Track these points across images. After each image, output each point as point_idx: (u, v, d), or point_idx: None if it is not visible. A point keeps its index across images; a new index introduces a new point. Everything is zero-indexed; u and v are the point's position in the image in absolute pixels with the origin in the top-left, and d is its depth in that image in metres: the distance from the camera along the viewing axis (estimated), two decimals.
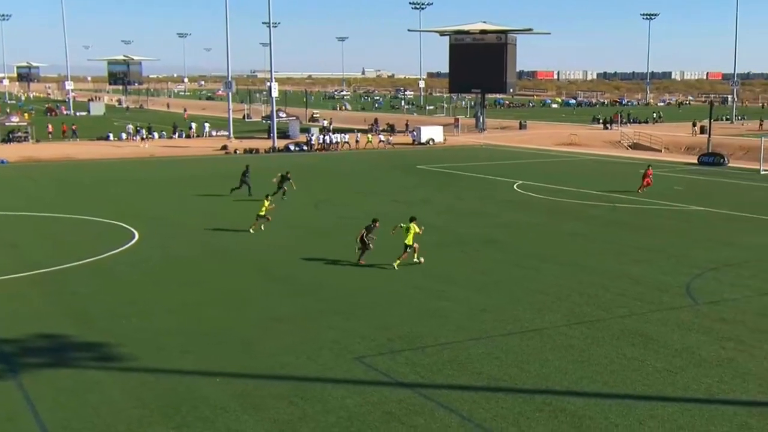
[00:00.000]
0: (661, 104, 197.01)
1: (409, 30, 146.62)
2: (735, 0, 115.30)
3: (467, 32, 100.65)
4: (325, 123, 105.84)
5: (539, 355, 19.67)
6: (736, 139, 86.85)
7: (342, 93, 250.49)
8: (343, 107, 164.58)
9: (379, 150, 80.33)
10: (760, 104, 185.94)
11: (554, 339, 20.94)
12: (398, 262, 28.80)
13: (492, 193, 48.77)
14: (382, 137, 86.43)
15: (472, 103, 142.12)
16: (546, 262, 30.06)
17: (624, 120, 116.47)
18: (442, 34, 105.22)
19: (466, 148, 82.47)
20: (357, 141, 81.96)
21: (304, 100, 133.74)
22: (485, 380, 18.09)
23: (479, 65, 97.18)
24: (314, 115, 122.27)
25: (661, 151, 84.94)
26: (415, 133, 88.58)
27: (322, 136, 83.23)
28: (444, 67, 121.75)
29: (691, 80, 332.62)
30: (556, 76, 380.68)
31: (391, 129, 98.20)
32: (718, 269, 28.90)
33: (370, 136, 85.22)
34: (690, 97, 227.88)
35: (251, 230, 35.57)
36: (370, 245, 29.47)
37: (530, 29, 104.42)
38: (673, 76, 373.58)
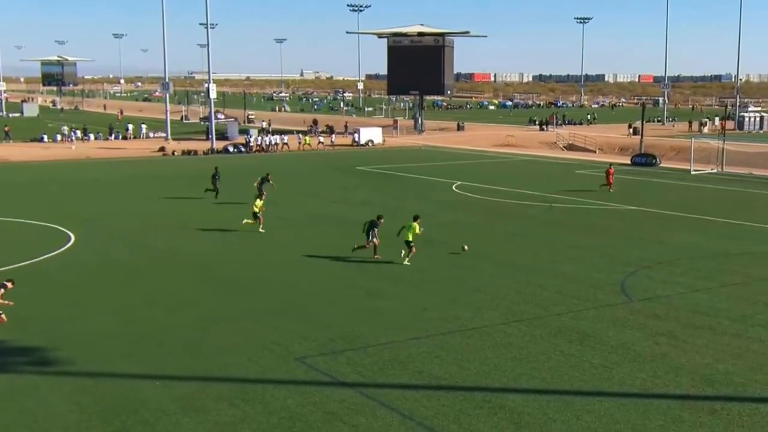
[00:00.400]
0: (595, 106, 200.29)
1: (347, 32, 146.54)
2: (665, 4, 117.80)
3: (405, 35, 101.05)
4: (264, 124, 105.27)
5: (479, 353, 19.84)
6: (668, 140, 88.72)
7: (281, 95, 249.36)
8: (282, 109, 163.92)
9: (318, 151, 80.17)
10: (690, 106, 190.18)
11: (493, 337, 21.14)
12: (407, 259, 29.71)
13: (430, 194, 49.04)
14: (321, 139, 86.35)
15: (411, 105, 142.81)
16: (484, 261, 30.33)
17: (559, 121, 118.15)
18: (380, 36, 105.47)
19: (405, 149, 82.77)
20: (299, 143, 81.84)
21: (243, 101, 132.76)
22: (426, 379, 18.18)
23: (417, 67, 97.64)
24: (249, 116, 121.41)
25: (595, 152, 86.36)
26: (356, 135, 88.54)
27: (260, 138, 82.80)
28: (383, 69, 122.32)
29: (623, 82, 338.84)
30: (493, 79, 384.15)
31: (330, 130, 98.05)
32: (651, 267, 29.49)
33: (308, 137, 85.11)
34: (623, 99, 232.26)
35: (261, 229, 35.62)
36: (375, 240, 30.27)
37: (467, 32, 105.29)
38: (606, 79, 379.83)
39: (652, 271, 28.84)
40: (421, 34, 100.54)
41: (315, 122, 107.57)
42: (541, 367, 18.92)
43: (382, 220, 31.12)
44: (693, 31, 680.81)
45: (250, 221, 36.08)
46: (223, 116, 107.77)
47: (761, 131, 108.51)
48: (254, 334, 21.26)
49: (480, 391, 17.51)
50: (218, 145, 79.66)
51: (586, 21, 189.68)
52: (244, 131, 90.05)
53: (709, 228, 37.73)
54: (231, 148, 78.88)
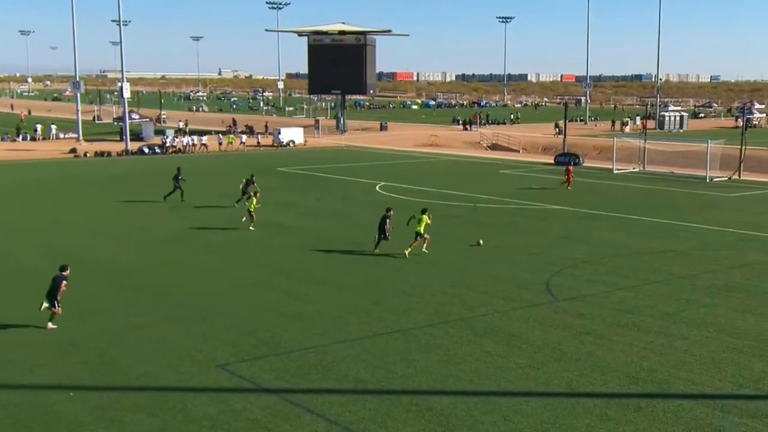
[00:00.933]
0: (518, 106, 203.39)
1: (266, 30, 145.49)
2: (586, 5, 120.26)
3: (326, 33, 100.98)
4: (181, 125, 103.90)
5: (405, 356, 19.91)
6: (590, 140, 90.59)
7: (198, 94, 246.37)
8: (200, 109, 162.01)
9: (237, 152, 79.47)
10: (612, 105, 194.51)
11: (420, 339, 21.25)
12: (409, 250, 31.03)
13: (354, 195, 49.07)
14: (244, 139, 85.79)
15: (333, 105, 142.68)
16: (409, 262, 30.46)
17: (483, 121, 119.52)
18: (301, 34, 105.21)
19: (328, 149, 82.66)
20: (220, 143, 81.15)
21: (159, 101, 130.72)
22: (351, 383, 18.17)
23: (339, 66, 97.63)
24: (161, 116, 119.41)
25: (519, 151, 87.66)
26: (277, 135, 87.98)
27: (177, 138, 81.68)
28: (303, 68, 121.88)
29: (546, 82, 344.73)
30: (415, 78, 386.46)
31: (250, 131, 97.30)
32: (575, 266, 30.04)
33: (231, 137, 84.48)
34: (545, 99, 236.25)
35: (251, 228, 36.55)
36: (388, 236, 31.69)
37: (389, 30, 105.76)
38: (529, 78, 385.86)
39: (577, 270, 29.38)
40: (342, 33, 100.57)
41: (234, 122, 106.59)
42: (467, 368, 19.08)
43: (392, 212, 32.79)
44: (614, 31, 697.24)
45: (247, 219, 37.14)
46: (137, 116, 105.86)
47: (681, 130, 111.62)
48: (174, 342, 20.95)
49: (407, 394, 17.57)
50: (133, 146, 78.29)
51: (509, 20, 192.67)
52: (160, 132, 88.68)
53: (633, 226, 38.61)
54: (146, 150, 77.62)
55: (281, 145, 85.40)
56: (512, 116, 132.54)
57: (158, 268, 29.50)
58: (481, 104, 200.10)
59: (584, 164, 69.08)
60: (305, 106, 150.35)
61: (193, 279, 27.74)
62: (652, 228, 38.33)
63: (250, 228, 36.60)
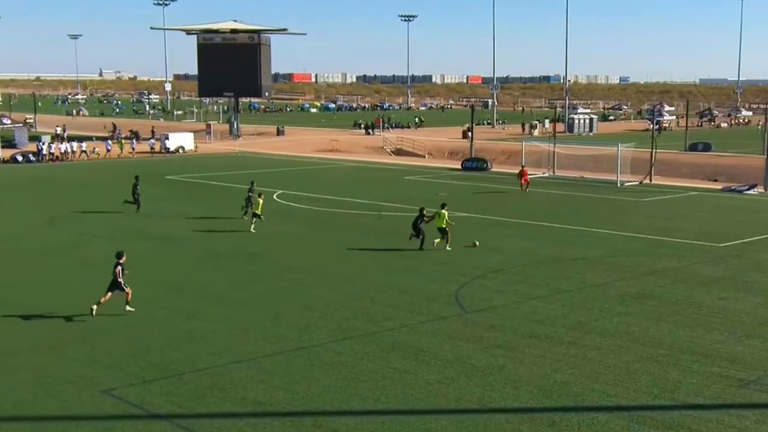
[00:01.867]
0: (423, 108, 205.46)
1: (151, 28, 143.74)
2: (492, 4, 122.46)
3: (217, 31, 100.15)
4: (59, 130, 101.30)
5: (308, 375, 19.82)
6: (498, 144, 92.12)
7: (77, 97, 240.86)
8: (80, 112, 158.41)
9: (122, 159, 77.96)
10: (520, 108, 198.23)
11: (323, 357, 21.19)
12: (447, 245, 34.71)
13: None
14: (134, 144, 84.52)
15: (225, 108, 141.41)
16: (311, 274, 30.40)
17: (386, 125, 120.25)
18: (189, 32, 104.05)
19: (220, 156, 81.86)
20: (108, 149, 79.64)
21: (34, 104, 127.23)
22: (250, 405, 17.98)
23: (231, 67, 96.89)
24: (27, 120, 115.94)
25: (424, 156, 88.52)
26: (167, 141, 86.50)
27: (54, 145, 79.63)
28: (193, 69, 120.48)
29: (451, 83, 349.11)
30: (314, 79, 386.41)
31: (135, 136, 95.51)
32: (485, 276, 30.45)
33: (122, 142, 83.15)
34: (451, 101, 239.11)
35: (252, 229, 39.03)
36: (421, 234, 34.93)
37: (285, 29, 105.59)
38: (433, 80, 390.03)
39: (487, 280, 29.78)
40: (234, 31, 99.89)
41: (114, 127, 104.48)
42: (374, 386, 19.11)
43: (426, 211, 36.08)
44: (521, 32, 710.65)
45: (252, 222, 39.57)
46: (9, 121, 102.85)
47: (591, 134, 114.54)
48: (53, 366, 20.37)
49: (310, 415, 17.49)
50: (4, 153, 75.97)
51: (411, 19, 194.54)
52: (35, 138, 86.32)
53: (544, 233, 39.37)
54: (20, 158, 75.42)
55: (169, 152, 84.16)
56: (417, 120, 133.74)
57: (33, 285, 28.65)
58: (384, 107, 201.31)
59: (492, 169, 70.18)
60: (195, 110, 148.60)
61: (75, 297, 27.00)
62: (564, 235, 39.15)
63: (252, 230, 39.02)
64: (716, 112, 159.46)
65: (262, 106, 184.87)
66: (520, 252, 34.92)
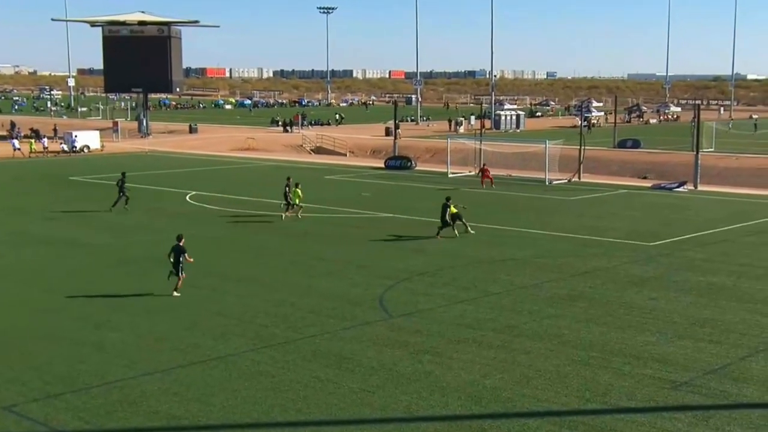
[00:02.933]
0: (344, 105, 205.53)
1: (53, 19, 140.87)
2: None
3: (123, 23, 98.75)
4: None
5: (225, 386, 19.67)
6: (423, 142, 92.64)
7: None
8: None
9: (18, 159, 76.22)
10: (444, 104, 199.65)
11: (241, 366, 21.05)
12: (468, 228, 38.83)
13: (161, 206, 48.14)
14: (46, 143, 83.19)
15: (134, 105, 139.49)
16: (227, 280, 30.19)
17: (305, 122, 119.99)
18: (94, 24, 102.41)
19: (129, 155, 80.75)
20: (15, 149, 77.88)
21: None
22: (164, 419, 17.77)
23: (139, 61, 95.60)
24: None
25: (346, 155, 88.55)
26: (75, 139, 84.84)
27: None
28: (98, 63, 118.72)
29: (373, 79, 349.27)
30: (228, 74, 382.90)
31: (35, 135, 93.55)
32: (411, 279, 30.59)
33: (32, 142, 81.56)
34: (373, 97, 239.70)
35: (284, 216, 43.03)
36: (449, 221, 38.16)
37: (197, 21, 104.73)
38: (354, 75, 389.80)
39: (413, 283, 29.93)
40: (142, 23, 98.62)
41: (12, 125, 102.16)
42: (295, 396, 19.05)
43: (450, 201, 38.56)
44: (446, 25, 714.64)
45: (290, 212, 43.07)
46: None
47: (518, 130, 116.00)
48: None
49: (227, 428, 17.37)
50: None
51: (330, 11, 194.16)
52: None
53: (470, 234, 39.62)
54: None
55: (73, 151, 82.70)
56: (337, 116, 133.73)
57: None
58: (303, 103, 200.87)
59: (417, 168, 70.55)
60: (101, 107, 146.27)
61: None
62: (491, 235, 39.55)
63: (299, 215, 43.26)
64: (645, 107, 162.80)
65: (173, 103, 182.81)
66: (446, 253, 35.16)
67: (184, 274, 27.88)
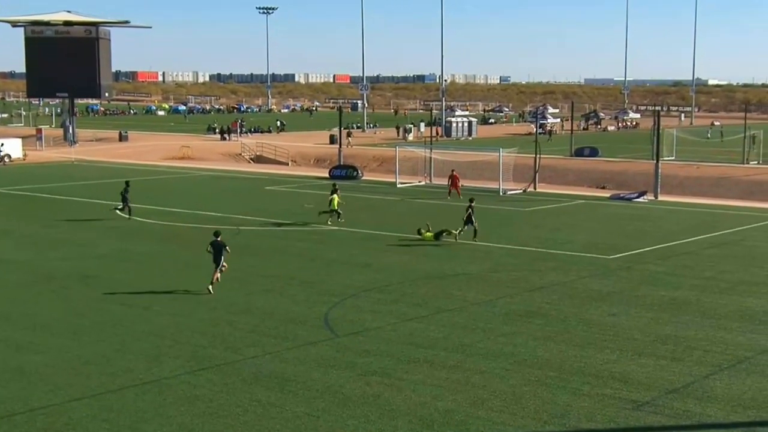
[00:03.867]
0: (286, 111, 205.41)
1: None
2: None
3: (47, 23, 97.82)
4: None
5: (159, 412, 19.48)
6: (370, 150, 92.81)
7: None
8: None
9: None
10: (392, 110, 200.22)
11: (176, 390, 20.86)
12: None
13: (89, 219, 47.62)
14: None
15: (59, 111, 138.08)
16: (160, 298, 29.94)
17: (244, 129, 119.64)
18: (15, 24, 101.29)
19: (54, 164, 79.87)
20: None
21: None
22: None
23: (65, 64, 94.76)
24: None
25: (288, 164, 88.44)
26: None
27: None
28: (20, 66, 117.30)
29: (317, 83, 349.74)
30: (161, 78, 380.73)
31: None
32: (357, 295, 30.57)
33: None
34: (317, 103, 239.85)
35: (329, 222, 45.35)
36: (474, 224, 41.17)
37: (127, 22, 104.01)
38: (297, 79, 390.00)
39: (360, 300, 29.90)
40: (68, 23, 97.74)
41: None
42: (235, 422, 18.93)
43: (473, 202, 41.74)
44: (393, 27, 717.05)
45: (329, 216, 45.53)
46: None
47: (470, 138, 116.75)
48: None
49: None
50: None
51: (270, 11, 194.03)
52: None
53: (420, 247, 39.77)
54: None
55: None
56: (278, 123, 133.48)
57: None
58: (242, 109, 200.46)
59: (363, 177, 70.59)
60: (24, 113, 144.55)
61: None
62: (443, 249, 39.68)
63: (340, 220, 45.48)
64: (603, 114, 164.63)
65: (102, 109, 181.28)
66: (395, 268, 35.20)
67: (225, 265, 30.86)
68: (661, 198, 58.80)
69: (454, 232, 41.49)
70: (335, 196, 45.81)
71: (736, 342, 25.28)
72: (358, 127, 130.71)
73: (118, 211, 47.24)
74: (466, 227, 41.14)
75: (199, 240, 41.17)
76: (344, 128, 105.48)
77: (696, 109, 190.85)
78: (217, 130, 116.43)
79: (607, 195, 61.72)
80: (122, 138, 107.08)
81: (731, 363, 23.33)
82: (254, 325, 26.59)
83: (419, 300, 30.01)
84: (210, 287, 30.39)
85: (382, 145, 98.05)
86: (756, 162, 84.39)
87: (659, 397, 20.68)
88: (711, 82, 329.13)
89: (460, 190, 56.87)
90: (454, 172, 59.08)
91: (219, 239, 30.83)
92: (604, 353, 24.09)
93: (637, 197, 58.57)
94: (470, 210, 41.22)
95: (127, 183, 48.75)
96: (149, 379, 21.74)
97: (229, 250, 30.96)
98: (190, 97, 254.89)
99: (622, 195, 59.99)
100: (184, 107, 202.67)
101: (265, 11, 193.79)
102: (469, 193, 49.17)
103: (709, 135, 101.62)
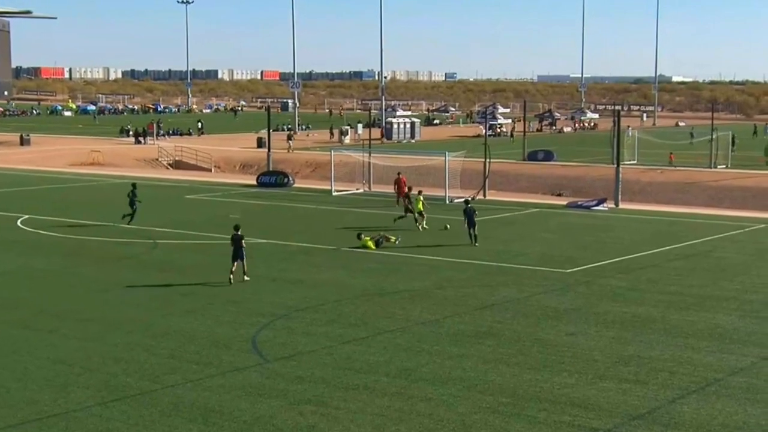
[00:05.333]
0: (208, 111, 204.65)
1: None
2: None
3: None
4: None
5: None
6: (303, 154, 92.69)
7: None
8: None
9: None
10: (327, 110, 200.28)
11: (85, 424, 20.63)
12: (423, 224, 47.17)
13: None
14: None
15: None
16: (66, 320, 29.64)
17: (162, 132, 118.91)
18: None
19: None
20: None
21: None
22: None
23: None
24: None
25: (211, 170, 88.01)
26: None
27: None
28: None
29: (242, 81, 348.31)
30: (68, 75, 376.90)
31: None
32: (288, 315, 30.47)
33: None
34: (242, 102, 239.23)
35: (421, 227, 48.13)
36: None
37: (29, 12, 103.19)
38: (220, 76, 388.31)
39: (292, 321, 29.81)
40: None
41: None
42: None
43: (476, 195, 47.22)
44: (326, 19, 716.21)
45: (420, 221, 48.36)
46: None
47: (413, 141, 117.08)
48: None
49: None
50: None
51: (190, 1, 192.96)
52: None
53: (358, 262, 39.77)
54: None
55: None
56: (200, 125, 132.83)
57: None
58: (159, 109, 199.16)
59: (295, 185, 70.44)
60: None
61: None
62: (382, 263, 39.71)
63: (424, 226, 48.18)
64: (558, 114, 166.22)
65: (1, 109, 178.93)
66: (330, 285, 35.17)
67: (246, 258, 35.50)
68: (622, 206, 59.39)
69: (392, 239, 43.05)
70: (420, 197, 48.89)
71: (705, 362, 25.60)
72: (288, 129, 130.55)
73: (127, 219, 48.89)
74: (471, 231, 43.71)
75: (110, 255, 40.84)
76: (287, 130, 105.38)
77: (659, 109, 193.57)
78: (131, 133, 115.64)
79: (564, 203, 62.19)
80: (24, 142, 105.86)
81: (700, 386, 23.59)
82: (174, 350, 26.37)
83: (357, 320, 29.98)
84: (245, 277, 35.34)
85: (315, 149, 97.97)
86: (724, 166, 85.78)
87: (622, 424, 20.85)
88: (675, 79, 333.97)
89: (405, 196, 56.99)
90: (401, 176, 58.59)
91: (239, 232, 35.64)
92: (562, 376, 24.24)
93: (596, 205, 59.07)
94: (469, 211, 43.80)
95: (133, 185, 51.24)
96: (55, 411, 21.46)
97: (244, 245, 35.54)
98: (100, 95, 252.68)
99: (579, 203, 60.48)
100: (93, 107, 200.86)
101: (185, 1, 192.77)
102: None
103: (692, 141, 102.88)
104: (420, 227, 48.16)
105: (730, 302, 32.95)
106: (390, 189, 60.98)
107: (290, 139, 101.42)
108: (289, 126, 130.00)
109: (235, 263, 35.31)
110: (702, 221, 53.70)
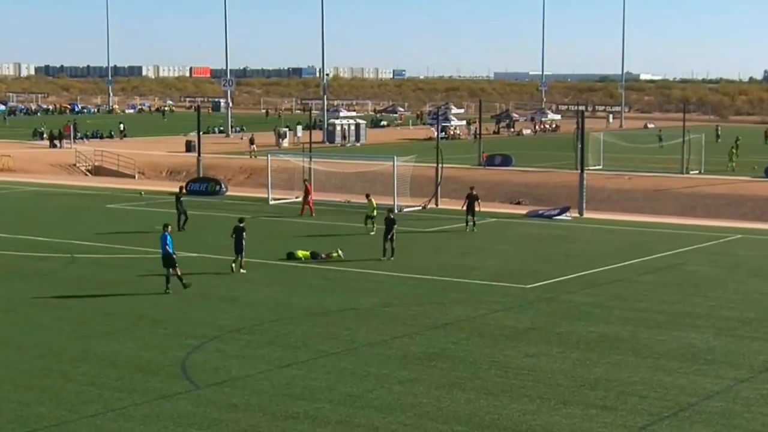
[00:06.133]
0: (131, 111, 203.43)
1: None
2: None
3: None
4: None
5: None
6: (236, 159, 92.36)
7: None
8: None
9: None
10: (263, 110, 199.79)
11: None
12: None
13: None
14: None
15: None
16: None
17: (79, 134, 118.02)
18: None
19: None
20: None
21: None
22: None
23: None
24: None
25: (134, 177, 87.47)
26: None
27: None
28: None
29: (169, 78, 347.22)
30: None
31: None
32: (221, 337, 30.32)
33: None
34: (170, 101, 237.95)
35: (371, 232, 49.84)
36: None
37: None
38: (144, 73, 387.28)
39: (225, 343, 29.66)
40: None
41: None
42: None
43: (474, 190, 50.74)
44: (262, 12, 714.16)
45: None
46: None
47: (358, 144, 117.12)
48: None
49: None
50: None
51: None
52: None
53: (297, 277, 39.68)
54: None
55: None
56: (122, 127, 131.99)
57: None
58: (76, 110, 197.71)
59: (228, 193, 70.15)
60: None
61: None
62: (325, 278, 39.68)
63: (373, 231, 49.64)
64: (516, 115, 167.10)
65: None
66: (267, 303, 35.06)
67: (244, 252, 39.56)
68: (586, 215, 59.76)
69: (335, 254, 44.02)
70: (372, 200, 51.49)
71: (678, 385, 25.78)
72: (220, 131, 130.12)
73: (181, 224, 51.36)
74: (470, 218, 50.24)
75: (21, 271, 40.42)
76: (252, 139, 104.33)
77: (626, 109, 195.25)
78: (45, 136, 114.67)
79: (524, 212, 62.51)
80: None
81: (672, 411, 23.75)
82: (93, 376, 26.14)
83: (297, 341, 29.89)
84: (241, 270, 39.75)
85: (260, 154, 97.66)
86: (697, 171, 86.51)
87: None
88: (643, 77, 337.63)
89: (313, 206, 57.95)
90: (306, 183, 59.61)
91: (242, 224, 40.08)
92: (522, 402, 24.30)
93: (559, 214, 59.34)
94: (471, 199, 49.55)
95: (180, 188, 56.16)
96: None
97: (245, 237, 39.65)
98: (10, 94, 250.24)
99: (540, 212, 60.78)
100: (3, 107, 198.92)
101: None
102: (356, 210, 49.26)
103: (662, 144, 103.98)
104: (370, 231, 49.94)
105: (704, 320, 33.24)
106: (332, 196, 61.00)
107: (252, 143, 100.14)
108: (221, 128, 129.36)
109: (239, 256, 39.61)
110: (673, 231, 54.16)
